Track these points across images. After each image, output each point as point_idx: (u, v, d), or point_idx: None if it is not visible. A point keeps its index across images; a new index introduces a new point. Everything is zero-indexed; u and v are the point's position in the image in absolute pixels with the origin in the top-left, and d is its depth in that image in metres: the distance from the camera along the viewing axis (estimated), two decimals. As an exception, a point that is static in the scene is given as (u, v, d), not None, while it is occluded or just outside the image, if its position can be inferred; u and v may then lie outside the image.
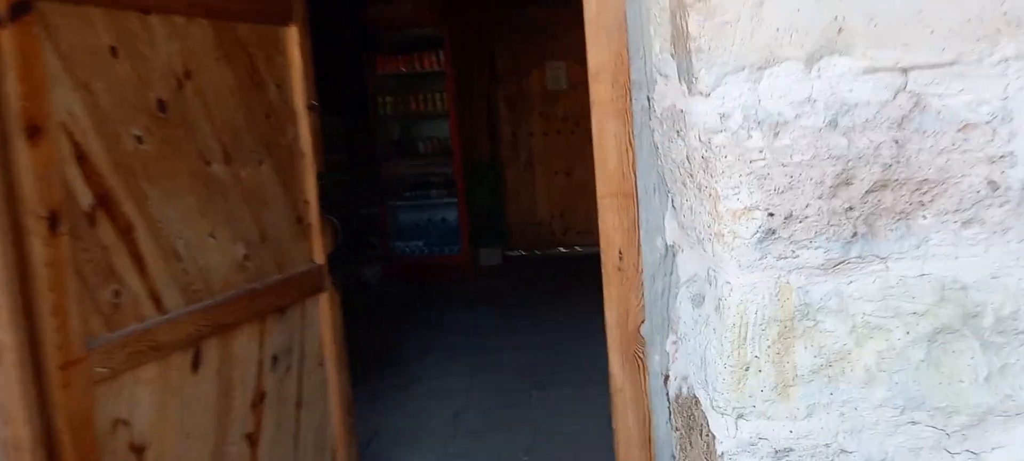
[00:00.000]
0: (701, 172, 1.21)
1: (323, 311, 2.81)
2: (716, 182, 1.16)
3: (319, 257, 2.80)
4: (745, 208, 1.15)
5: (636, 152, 1.65)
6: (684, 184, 1.38)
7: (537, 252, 7.67)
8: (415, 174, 7.29)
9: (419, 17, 6.95)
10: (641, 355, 1.68)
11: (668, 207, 1.63)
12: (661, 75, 1.48)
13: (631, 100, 1.64)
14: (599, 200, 1.66)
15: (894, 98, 1.12)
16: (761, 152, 1.14)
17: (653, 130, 1.63)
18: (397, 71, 7.07)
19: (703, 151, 1.18)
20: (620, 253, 1.66)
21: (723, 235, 1.17)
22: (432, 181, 7.26)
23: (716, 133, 1.15)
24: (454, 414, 4.06)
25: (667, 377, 1.68)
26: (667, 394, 1.66)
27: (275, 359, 2.63)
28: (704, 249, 1.26)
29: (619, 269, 1.67)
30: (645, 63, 1.63)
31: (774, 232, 1.15)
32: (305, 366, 2.76)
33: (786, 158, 1.13)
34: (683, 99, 1.26)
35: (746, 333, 1.17)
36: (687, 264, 1.47)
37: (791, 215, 1.14)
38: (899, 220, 1.14)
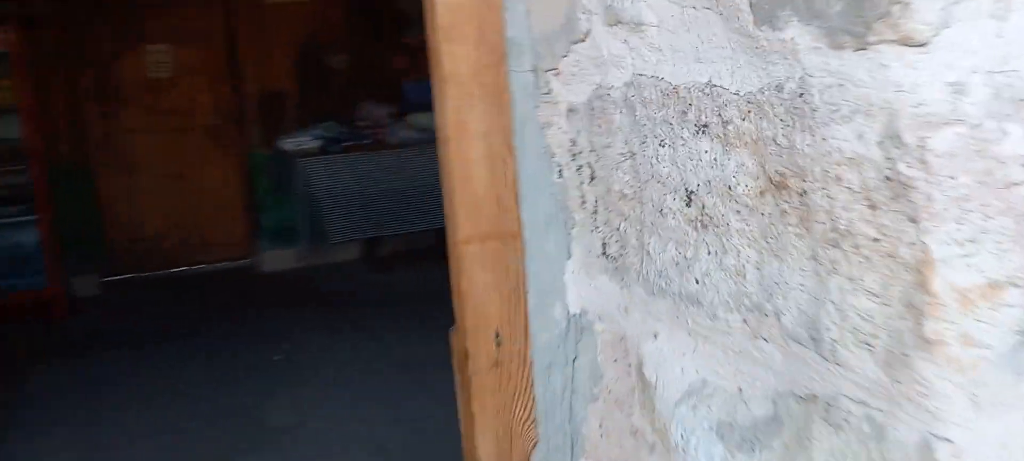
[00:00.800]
0: (863, 211, 0.59)
1: None
2: (925, 231, 0.55)
3: None
4: (989, 284, 0.55)
5: (518, 164, 0.97)
6: (704, 222, 0.75)
7: (147, 274, 6.37)
8: (-29, 187, 5.58)
9: (-34, -19, 5.30)
10: (538, 503, 1.01)
11: (573, 253, 0.99)
12: (612, 21, 0.82)
13: (508, 75, 0.96)
14: (457, 248, 0.96)
15: None
16: None
17: (548, 125, 0.97)
18: (-64, 51, 5.31)
19: (898, 164, 0.55)
20: (498, 336, 0.97)
21: (941, 341, 0.55)
22: (-2, 195, 5.62)
23: (941, 127, 0.53)
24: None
25: (578, 530, 1.03)
26: (583, 561, 1.01)
27: None
28: (836, 363, 0.63)
29: (497, 364, 0.98)
30: (530, 12, 0.96)
31: (1039, 329, 0.56)
32: None
33: (1064, 178, 0.55)
34: (782, 62, 0.62)
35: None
36: (671, 359, 0.84)
37: (1068, 292, 0.56)
38: None
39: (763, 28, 0.63)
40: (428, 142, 6.35)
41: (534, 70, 0.97)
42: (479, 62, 0.93)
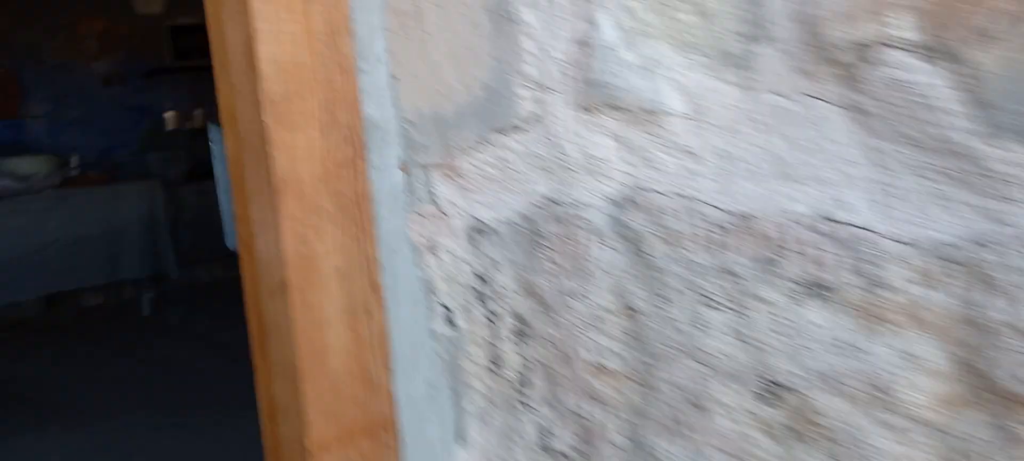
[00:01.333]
0: None
1: None
2: None
3: None
4: None
5: (389, 316, 0.62)
6: (800, 432, 0.48)
7: None
8: None
9: None
10: None
11: (469, 437, 0.66)
12: (592, 105, 0.52)
13: (369, 178, 0.60)
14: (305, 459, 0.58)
15: None
16: None
17: (430, 250, 0.64)
18: None
19: None
20: None
21: None
22: None
23: None
24: None
25: None
26: None
27: None
28: None
29: None
30: (397, 78, 0.62)
31: None
32: None
33: None
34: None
35: None
36: None
37: None
38: None
39: (1001, 144, 0.37)
40: (26, 193, 5.27)
41: (405, 165, 0.62)
42: (330, 157, 0.57)
